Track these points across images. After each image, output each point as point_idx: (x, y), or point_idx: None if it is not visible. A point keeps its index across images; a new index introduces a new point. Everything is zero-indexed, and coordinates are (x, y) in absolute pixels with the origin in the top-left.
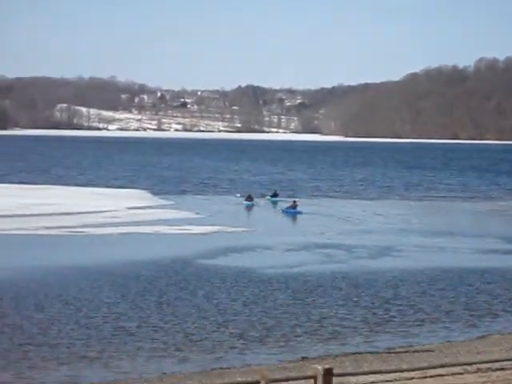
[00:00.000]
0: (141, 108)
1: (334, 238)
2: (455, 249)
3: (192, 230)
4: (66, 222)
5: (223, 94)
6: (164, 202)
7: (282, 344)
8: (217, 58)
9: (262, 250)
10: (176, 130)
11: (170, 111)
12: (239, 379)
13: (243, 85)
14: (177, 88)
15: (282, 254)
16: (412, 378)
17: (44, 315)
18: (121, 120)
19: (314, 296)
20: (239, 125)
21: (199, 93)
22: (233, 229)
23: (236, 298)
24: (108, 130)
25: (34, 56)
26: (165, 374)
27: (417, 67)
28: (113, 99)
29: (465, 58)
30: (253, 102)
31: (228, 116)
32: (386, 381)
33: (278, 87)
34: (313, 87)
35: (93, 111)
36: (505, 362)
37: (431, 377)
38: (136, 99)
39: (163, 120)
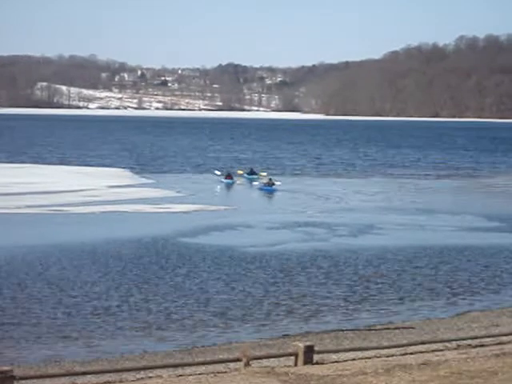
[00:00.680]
0: (121, 86)
1: (314, 216)
2: (436, 226)
3: (173, 208)
4: (46, 201)
5: (204, 73)
6: (145, 180)
7: (263, 322)
8: (197, 36)
9: (244, 229)
10: (157, 108)
11: (150, 89)
12: (220, 356)
13: (224, 63)
14: (157, 66)
15: (263, 233)
16: (392, 355)
17: (24, 294)
18: (101, 98)
19: (295, 274)
20: (220, 103)
21: (180, 71)
22: (214, 207)
23: (217, 277)
24: (88, 108)
25: (14, 34)
26: (146, 352)
27: (397, 45)
28: (93, 78)
29: (445, 36)
30: (233, 80)
31: (209, 94)
32: (367, 358)
33: (258, 65)
34: (293, 65)
35: (73, 90)
36: (484, 339)
37: (411, 353)
38: (116, 77)
39: (144, 98)
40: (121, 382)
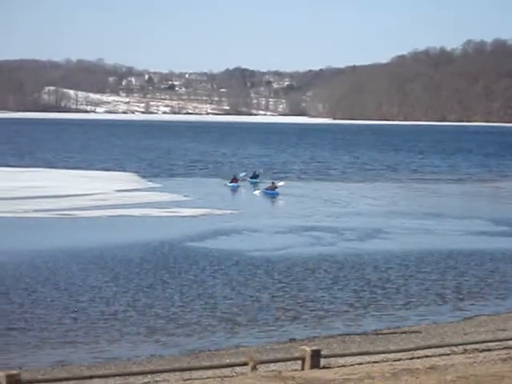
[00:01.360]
0: (128, 91)
1: (321, 221)
2: (443, 231)
3: (180, 212)
4: (54, 205)
5: (211, 77)
6: (152, 184)
7: (270, 326)
8: (204, 40)
9: (250, 233)
10: (164, 112)
11: (157, 94)
12: (227, 361)
13: (231, 67)
14: (164, 70)
15: (270, 237)
16: (399, 359)
17: (32, 299)
18: (108, 103)
19: (302, 278)
20: (227, 107)
21: (187, 75)
22: (221, 211)
23: (224, 281)
24: (96, 112)
25: (22, 38)
26: (153, 356)
27: (404, 49)
28: (100, 82)
29: (452, 40)
30: (241, 84)
31: (216, 99)
32: (374, 362)
33: (265, 70)
34: (301, 69)
35: (80, 94)
36: (491, 343)
37: (418, 358)
38: (124, 82)
39: (151, 103)
40: None
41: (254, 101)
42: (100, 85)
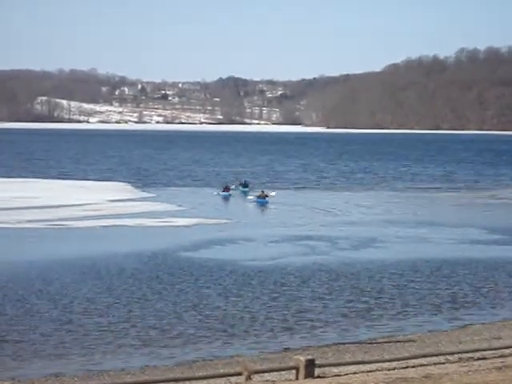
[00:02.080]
0: (122, 100)
1: (315, 230)
2: (438, 239)
3: (174, 222)
4: (47, 216)
5: (204, 86)
6: (146, 194)
7: (264, 335)
8: (197, 50)
9: (244, 242)
10: (157, 122)
11: (151, 103)
12: (222, 371)
13: (224, 76)
14: (157, 80)
15: (264, 246)
16: (394, 368)
17: (25, 310)
18: (102, 112)
19: (296, 287)
20: (220, 117)
21: (180, 85)
22: (214, 221)
23: (218, 291)
24: (89, 122)
25: (14, 48)
26: (147, 366)
27: (397, 58)
28: (93, 92)
29: (445, 48)
30: (234, 93)
31: (209, 108)
32: (368, 371)
33: (259, 78)
34: (294, 78)
35: (73, 104)
36: (486, 352)
37: (413, 367)
38: (117, 91)
39: (144, 112)
40: None
41: (248, 110)
42: (93, 95)
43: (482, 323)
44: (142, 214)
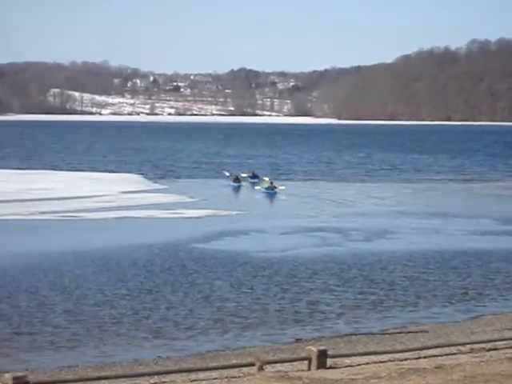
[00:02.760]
0: (134, 92)
1: (327, 221)
2: (450, 231)
3: (186, 213)
4: (59, 207)
5: (216, 78)
6: (158, 186)
7: (277, 326)
8: (209, 41)
9: (256, 234)
10: (169, 114)
11: (162, 95)
12: (234, 361)
13: (236, 68)
14: (169, 72)
15: (276, 238)
16: (406, 359)
17: (38, 301)
18: (114, 104)
19: (308, 279)
20: (232, 108)
21: (192, 76)
22: (226, 212)
23: (230, 282)
24: (101, 114)
25: (27, 41)
26: (159, 357)
27: (409, 49)
28: (106, 84)
29: (457, 39)
30: (245, 85)
31: (221, 99)
32: (380, 362)
33: (270, 70)
34: (305, 70)
35: (86, 96)
36: (498, 342)
37: (425, 357)
38: (129, 83)
39: (156, 104)
40: None
41: (259, 101)
42: (105, 87)
43: (494, 314)
44: (154, 206)
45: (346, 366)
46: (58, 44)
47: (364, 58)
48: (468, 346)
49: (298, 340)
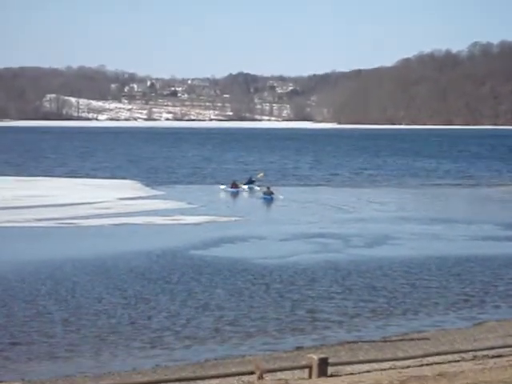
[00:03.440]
0: (131, 97)
1: (327, 227)
2: (452, 236)
3: (184, 220)
4: (56, 214)
5: (214, 82)
6: (156, 192)
7: (277, 334)
8: (207, 46)
9: (255, 240)
10: (167, 119)
11: (160, 100)
12: (234, 370)
13: (234, 72)
14: (167, 76)
15: (275, 244)
16: (408, 367)
17: (35, 310)
18: (111, 110)
19: (308, 286)
20: (230, 113)
21: (189, 81)
22: (225, 218)
23: (229, 290)
24: (98, 120)
25: (23, 46)
26: (158, 366)
27: (410, 52)
28: (102, 89)
29: (458, 42)
30: (244, 89)
31: (219, 104)
32: (382, 369)
33: (269, 74)
34: (305, 74)
35: (82, 101)
36: (501, 349)
37: (427, 365)
38: (126, 88)
39: (154, 109)
40: None
41: (258, 106)
42: (102, 92)
43: (497, 320)
44: (152, 212)
45: (348, 374)
46: (53, 49)
47: (364, 62)
48: (471, 353)
49: (298, 348)
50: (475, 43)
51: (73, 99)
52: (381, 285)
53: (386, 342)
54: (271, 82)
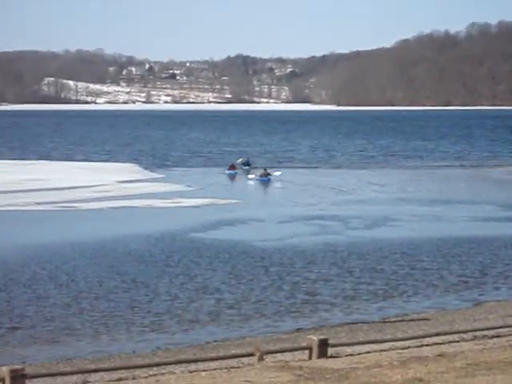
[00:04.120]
0: (129, 80)
1: (326, 209)
2: (452, 217)
3: (183, 202)
4: (56, 197)
5: (212, 65)
6: (155, 175)
7: (276, 316)
8: (205, 28)
9: (255, 222)
10: (165, 102)
11: (158, 83)
12: (234, 351)
13: (232, 54)
14: (165, 59)
15: (275, 226)
16: (408, 347)
17: (35, 294)
18: (109, 93)
19: (308, 268)
20: (229, 95)
21: (188, 64)
22: (224, 201)
23: (229, 272)
24: (96, 103)
25: (20, 29)
26: (158, 348)
27: (408, 33)
28: (101, 72)
29: (456, 23)
30: (242, 71)
31: (218, 87)
32: (382, 350)
33: (267, 56)
34: (303, 56)
35: (80, 84)
36: (501, 329)
37: (427, 345)
38: (124, 71)
39: (152, 92)
40: (133, 378)
41: (257, 88)
42: (100, 75)
43: (497, 301)
44: (151, 195)
45: (348, 355)
46: (51, 32)
47: (363, 43)
48: (470, 333)
49: (298, 329)
50: (473, 24)
51: (71, 83)
52: (380, 266)
53: (385, 323)
54: (270, 63)
